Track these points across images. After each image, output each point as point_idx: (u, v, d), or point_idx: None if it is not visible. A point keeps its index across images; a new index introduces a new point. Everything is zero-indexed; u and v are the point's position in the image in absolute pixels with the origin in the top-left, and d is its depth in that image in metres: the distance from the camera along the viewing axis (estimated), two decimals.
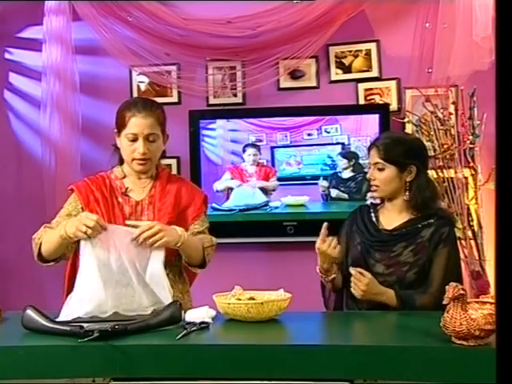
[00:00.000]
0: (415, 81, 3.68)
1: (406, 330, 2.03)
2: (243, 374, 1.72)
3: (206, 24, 3.86)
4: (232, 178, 3.89)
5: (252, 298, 2.05)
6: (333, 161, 3.88)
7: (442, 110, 3.51)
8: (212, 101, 4.01)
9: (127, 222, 2.20)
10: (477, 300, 1.78)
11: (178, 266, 2.36)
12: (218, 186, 3.88)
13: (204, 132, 3.93)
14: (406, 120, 3.68)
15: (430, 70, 3.61)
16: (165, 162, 2.63)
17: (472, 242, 3.45)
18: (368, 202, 2.65)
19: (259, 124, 3.94)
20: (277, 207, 3.88)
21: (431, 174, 3.11)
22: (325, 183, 3.85)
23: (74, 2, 3.88)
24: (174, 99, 3.99)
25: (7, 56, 4.14)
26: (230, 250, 3.59)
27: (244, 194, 3.87)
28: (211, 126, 3.96)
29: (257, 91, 3.96)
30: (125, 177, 2.38)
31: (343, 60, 3.95)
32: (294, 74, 3.97)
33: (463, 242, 3.39)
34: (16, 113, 4.14)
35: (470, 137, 3.47)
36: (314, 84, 3.97)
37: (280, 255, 3.94)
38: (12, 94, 4.14)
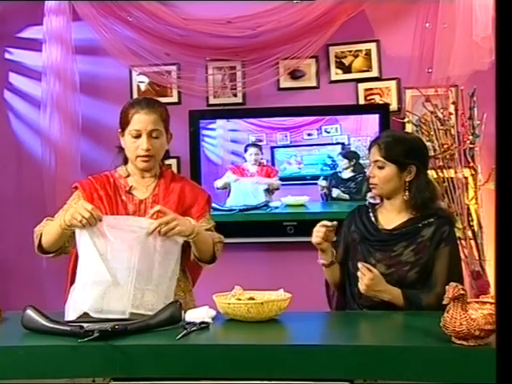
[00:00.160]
0: (415, 81, 3.68)
1: (406, 330, 2.03)
2: (243, 374, 1.72)
3: (206, 24, 3.86)
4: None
5: (252, 298, 2.05)
6: (333, 161, 3.88)
7: (442, 110, 3.51)
8: (212, 101, 4.02)
9: (129, 222, 2.20)
10: (477, 300, 1.78)
11: (181, 264, 2.36)
12: (218, 183, 3.88)
13: (204, 132, 3.94)
14: (406, 120, 3.68)
15: (429, 70, 3.61)
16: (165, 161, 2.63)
17: (472, 241, 3.45)
18: (367, 202, 2.65)
19: (259, 124, 3.94)
20: (277, 207, 3.88)
21: (431, 173, 3.11)
22: (324, 183, 3.85)
23: (73, 1, 3.88)
24: (174, 99, 3.99)
25: (7, 56, 4.14)
26: (230, 250, 3.57)
27: (242, 190, 3.87)
28: (211, 126, 3.96)
29: (257, 91, 3.96)
30: (129, 176, 2.40)
31: (343, 60, 3.95)
32: (294, 74, 3.97)
33: (463, 241, 3.39)
34: (16, 113, 4.14)
35: (470, 137, 3.47)
36: (314, 84, 3.98)
37: (280, 255, 3.94)
38: (12, 93, 4.14)
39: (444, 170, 3.47)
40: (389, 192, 2.39)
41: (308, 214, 3.80)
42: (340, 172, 3.85)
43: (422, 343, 1.76)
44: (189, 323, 1.89)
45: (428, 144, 3.35)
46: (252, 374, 1.73)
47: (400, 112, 3.80)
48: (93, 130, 3.97)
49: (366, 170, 3.40)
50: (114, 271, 2.04)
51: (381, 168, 2.37)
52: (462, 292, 1.68)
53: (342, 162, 3.85)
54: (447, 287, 1.71)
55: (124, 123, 2.33)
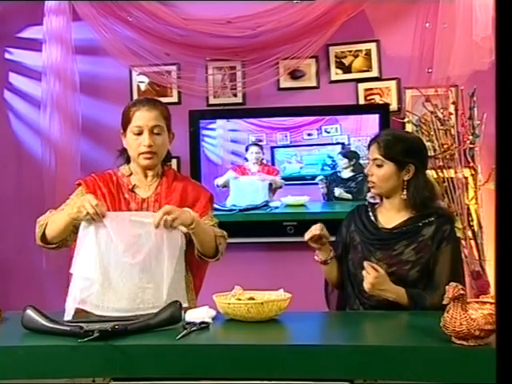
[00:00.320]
0: (415, 81, 3.68)
1: (406, 330, 2.03)
2: (243, 374, 1.72)
3: (206, 24, 3.86)
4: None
5: (252, 298, 2.05)
6: (333, 161, 3.88)
7: (442, 110, 3.51)
8: (212, 101, 4.02)
9: (132, 218, 2.21)
10: (477, 300, 1.78)
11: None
12: (219, 181, 3.88)
13: (204, 132, 3.94)
14: (406, 120, 3.68)
15: (429, 70, 3.61)
16: None
17: (472, 241, 3.45)
18: (366, 202, 2.65)
19: (259, 124, 3.94)
20: (277, 207, 3.88)
21: (431, 173, 3.11)
22: (323, 181, 3.85)
23: (73, 1, 3.88)
24: (174, 99, 3.99)
25: (7, 56, 4.14)
26: (230, 250, 3.57)
27: (243, 189, 3.87)
28: (211, 126, 3.96)
29: (257, 91, 3.96)
30: (131, 174, 2.41)
31: (343, 60, 3.95)
32: (294, 74, 3.97)
33: (463, 242, 3.38)
34: (16, 113, 4.14)
35: (470, 137, 3.47)
36: (314, 84, 3.98)
37: (280, 255, 3.94)
38: (12, 93, 4.14)
39: (444, 170, 3.47)
40: (387, 191, 2.39)
41: (308, 213, 3.80)
42: (339, 172, 3.85)
43: (422, 343, 1.76)
44: (189, 323, 1.89)
45: (428, 144, 3.36)
46: (252, 374, 1.72)
47: (400, 112, 3.80)
48: (93, 130, 3.97)
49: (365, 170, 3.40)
50: (114, 268, 2.05)
51: (379, 166, 2.37)
52: (462, 292, 1.68)
53: (342, 162, 3.85)
54: (447, 287, 1.71)
55: (125, 122, 2.35)
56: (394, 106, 3.86)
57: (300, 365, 1.71)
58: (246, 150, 3.91)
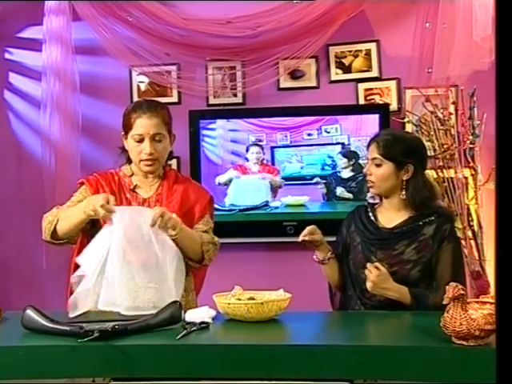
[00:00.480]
0: (415, 81, 3.68)
1: (406, 330, 2.03)
2: (243, 374, 1.72)
3: (206, 24, 3.86)
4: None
5: (252, 298, 2.05)
6: (333, 161, 3.88)
7: (442, 110, 3.51)
8: (212, 101, 4.02)
9: (133, 216, 2.21)
10: (477, 300, 1.78)
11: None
12: (221, 179, 3.88)
13: (204, 132, 3.94)
14: (405, 120, 3.68)
15: (429, 70, 3.61)
16: None
17: (472, 241, 3.45)
18: (366, 202, 2.65)
19: (259, 124, 3.94)
20: (277, 207, 3.88)
21: (431, 173, 3.11)
22: (321, 182, 3.85)
23: (73, 1, 3.88)
24: (174, 99, 3.99)
25: (7, 56, 4.14)
26: (230, 250, 3.58)
27: (243, 188, 3.87)
28: (211, 125, 3.96)
29: (257, 91, 3.96)
30: (132, 175, 2.42)
31: (343, 60, 3.95)
32: (294, 74, 3.97)
33: (463, 241, 3.38)
34: (16, 113, 4.14)
35: (470, 137, 3.46)
36: (314, 84, 3.98)
37: (280, 255, 3.93)
38: (12, 93, 4.14)
39: (444, 170, 3.47)
40: (386, 190, 2.39)
41: (308, 213, 3.81)
42: (339, 172, 3.85)
43: (422, 343, 1.76)
44: (189, 323, 1.89)
45: (428, 144, 3.36)
46: (252, 374, 1.72)
47: (400, 112, 3.80)
48: (93, 130, 3.97)
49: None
50: (115, 265, 2.06)
51: (378, 166, 2.37)
52: (462, 292, 1.68)
53: (341, 161, 3.85)
54: (447, 287, 1.71)
55: (127, 127, 2.36)
56: (394, 106, 3.86)
57: (300, 365, 1.71)
58: (247, 150, 3.91)
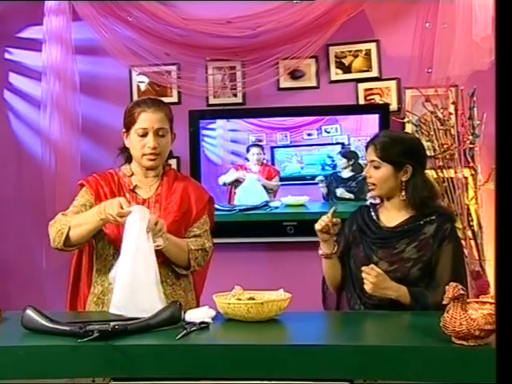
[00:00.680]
0: (415, 81, 3.68)
1: (406, 330, 2.03)
2: (243, 374, 1.72)
3: (206, 24, 3.86)
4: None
5: (252, 298, 2.05)
6: (333, 161, 3.88)
7: (442, 110, 3.51)
8: (212, 101, 4.02)
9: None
10: (477, 300, 1.78)
11: None
12: (227, 178, 3.88)
13: (204, 132, 3.94)
14: (405, 120, 3.68)
15: (429, 70, 3.61)
16: None
17: (472, 241, 3.45)
18: (367, 203, 2.65)
19: (259, 124, 3.94)
20: (277, 207, 3.88)
21: (431, 173, 3.11)
22: (323, 181, 3.85)
23: (73, 1, 3.88)
24: (174, 99, 3.99)
25: (7, 56, 4.14)
26: (230, 250, 3.59)
27: (250, 188, 3.87)
28: (211, 125, 3.96)
29: (257, 91, 3.96)
30: (132, 175, 2.42)
31: (343, 60, 3.95)
32: (294, 74, 3.97)
33: (463, 241, 3.38)
34: (16, 113, 4.14)
35: (470, 137, 3.47)
36: (313, 84, 3.97)
37: (280, 255, 3.94)
38: (12, 93, 4.14)
39: (444, 170, 3.47)
40: (386, 192, 2.40)
41: (308, 213, 3.80)
42: (339, 172, 3.85)
43: (422, 343, 1.76)
44: (189, 323, 1.89)
45: (428, 144, 3.36)
46: (252, 374, 1.73)
47: (400, 112, 3.80)
48: (93, 130, 3.97)
49: None
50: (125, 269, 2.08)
51: (377, 168, 2.37)
52: (462, 292, 1.68)
53: (341, 161, 3.85)
54: (447, 287, 1.71)
55: (130, 122, 2.35)
56: (393, 106, 3.85)
57: (300, 365, 1.71)
58: (247, 150, 3.91)
